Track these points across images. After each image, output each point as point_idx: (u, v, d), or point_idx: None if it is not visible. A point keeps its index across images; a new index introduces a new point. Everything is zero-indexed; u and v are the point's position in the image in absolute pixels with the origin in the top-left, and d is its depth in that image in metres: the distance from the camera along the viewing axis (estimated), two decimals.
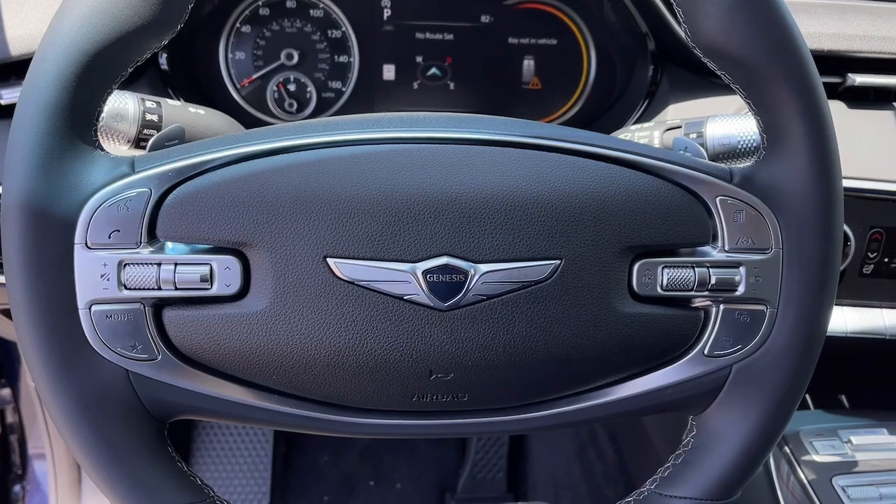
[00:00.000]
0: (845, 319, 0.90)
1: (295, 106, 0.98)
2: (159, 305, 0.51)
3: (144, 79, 0.88)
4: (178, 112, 0.71)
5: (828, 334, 0.55)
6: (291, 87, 0.99)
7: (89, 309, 0.50)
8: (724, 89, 0.90)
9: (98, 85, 0.49)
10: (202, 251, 0.51)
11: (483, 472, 1.63)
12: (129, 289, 0.50)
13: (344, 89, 1.00)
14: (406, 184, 0.51)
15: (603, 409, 0.56)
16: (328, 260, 0.51)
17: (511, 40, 1.00)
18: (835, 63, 0.90)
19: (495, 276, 0.51)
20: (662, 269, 0.53)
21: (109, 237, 0.49)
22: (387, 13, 0.97)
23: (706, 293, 0.54)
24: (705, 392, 0.56)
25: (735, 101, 0.90)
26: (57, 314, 0.49)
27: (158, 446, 0.53)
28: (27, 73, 0.48)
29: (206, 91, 0.97)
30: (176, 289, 0.50)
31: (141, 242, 0.50)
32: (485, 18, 0.99)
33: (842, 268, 0.88)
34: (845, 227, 0.86)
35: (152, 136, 0.56)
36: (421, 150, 0.52)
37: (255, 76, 0.98)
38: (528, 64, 1.01)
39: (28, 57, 0.72)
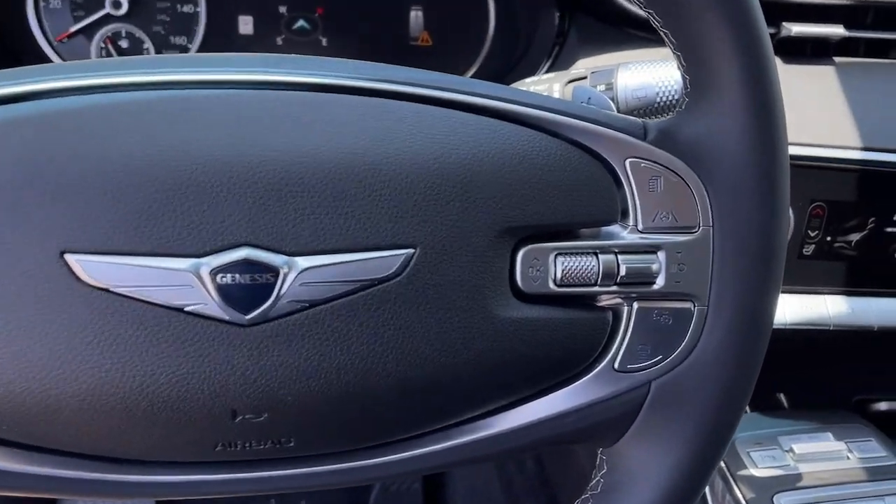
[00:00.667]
0: (784, 309, 0.85)
1: None
2: None
3: None
4: None
5: None
6: (123, 44, 0.89)
7: None
8: (642, 42, 0.85)
9: None
10: None
11: (397, 483, 1.53)
12: None
13: (190, 45, 0.90)
14: (183, 144, 0.39)
15: (481, 446, 0.47)
16: (67, 256, 0.38)
17: None
18: (767, 10, 0.82)
19: (319, 274, 0.40)
20: (555, 257, 0.45)
21: None
22: None
23: (614, 288, 0.45)
24: (617, 418, 0.47)
25: (655, 55, 0.79)
26: None
27: None
28: None
29: (14, 49, 0.87)
30: None
31: None
32: None
33: None
34: None
35: None
36: (208, 99, 0.41)
37: (73, 29, 0.87)
38: (416, 16, 0.93)
39: None
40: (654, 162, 0.45)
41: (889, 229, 0.84)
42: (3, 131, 0.38)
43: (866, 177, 0.82)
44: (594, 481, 0.50)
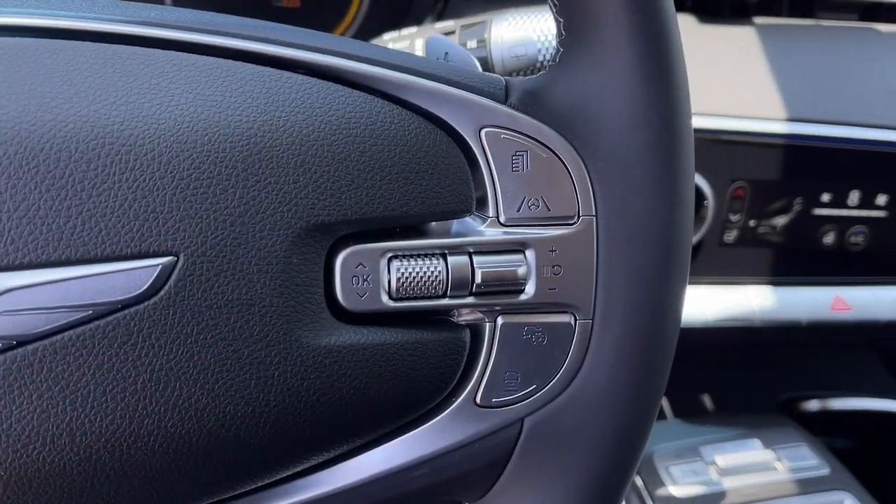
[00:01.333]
0: (704, 304, 0.78)
1: None
2: None
3: None
4: None
5: (681, 326, 0.42)
6: None
7: None
8: None
9: None
10: None
11: None
12: None
13: None
14: None
15: None
16: None
17: None
18: None
19: (30, 298, 0.30)
20: (388, 261, 0.36)
21: None
22: None
23: (470, 300, 0.37)
24: (482, 467, 0.39)
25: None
26: None
27: None
28: None
29: None
30: None
31: None
32: None
33: (696, 239, 0.77)
34: (698, 180, 0.75)
35: None
36: None
37: None
38: None
39: None
40: (518, 132, 0.37)
41: (817, 211, 0.78)
42: None
43: (792, 152, 0.76)
44: None
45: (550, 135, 0.37)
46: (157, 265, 0.31)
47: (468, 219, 0.37)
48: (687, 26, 0.77)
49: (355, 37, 0.86)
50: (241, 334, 0.32)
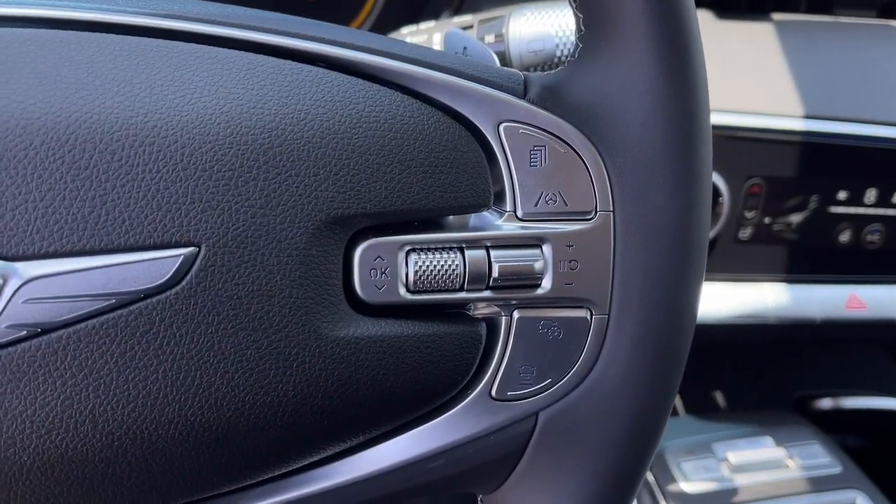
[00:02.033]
0: (718, 301, 0.78)
1: None
2: None
3: None
4: None
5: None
6: None
7: None
8: None
9: None
10: None
11: None
12: None
13: None
14: None
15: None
16: None
17: None
18: None
19: (54, 286, 0.31)
20: (407, 254, 0.36)
21: None
22: None
23: (487, 294, 0.37)
24: (497, 459, 0.39)
25: None
26: None
27: None
28: None
29: None
30: None
31: None
32: None
33: (711, 236, 0.78)
34: (714, 177, 0.75)
35: None
36: None
37: None
38: None
39: None
40: (536, 127, 0.37)
41: (833, 209, 0.78)
42: None
43: (808, 149, 0.76)
44: None
45: (569, 130, 0.37)
46: (180, 255, 0.32)
47: (486, 213, 0.37)
48: (704, 22, 0.77)
49: (371, 30, 0.86)
50: (261, 325, 0.33)
